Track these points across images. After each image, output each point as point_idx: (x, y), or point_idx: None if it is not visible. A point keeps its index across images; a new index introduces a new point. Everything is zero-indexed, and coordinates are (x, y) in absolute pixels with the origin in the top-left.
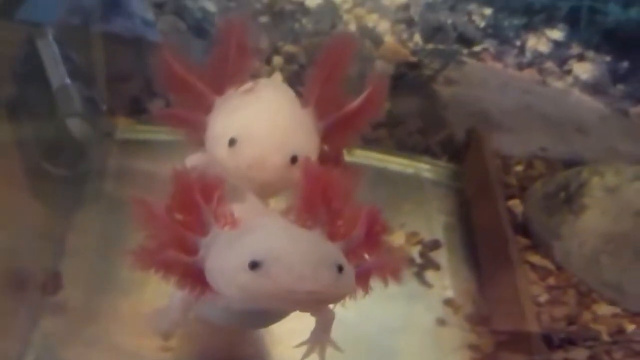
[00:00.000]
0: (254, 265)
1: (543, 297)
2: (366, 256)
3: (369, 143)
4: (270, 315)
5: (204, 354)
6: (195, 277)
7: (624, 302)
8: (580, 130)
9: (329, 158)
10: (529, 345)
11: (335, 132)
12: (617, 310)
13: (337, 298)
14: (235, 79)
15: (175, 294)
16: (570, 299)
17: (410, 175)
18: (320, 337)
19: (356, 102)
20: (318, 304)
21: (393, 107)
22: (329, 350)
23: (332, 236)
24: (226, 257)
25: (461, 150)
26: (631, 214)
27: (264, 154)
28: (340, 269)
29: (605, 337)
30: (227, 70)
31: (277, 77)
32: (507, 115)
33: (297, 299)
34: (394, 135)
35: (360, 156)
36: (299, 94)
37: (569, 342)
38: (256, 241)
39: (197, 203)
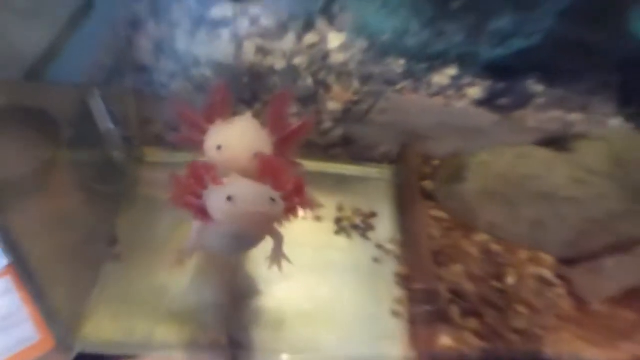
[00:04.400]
0: (229, 199)
1: (438, 234)
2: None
3: (330, 157)
4: (246, 240)
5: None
6: (202, 211)
7: (494, 231)
8: (480, 132)
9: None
10: (427, 268)
11: (282, 144)
12: (489, 238)
13: (274, 217)
14: (221, 115)
15: (194, 225)
16: (456, 233)
17: (361, 177)
18: (277, 254)
19: (294, 127)
20: (264, 222)
21: (345, 132)
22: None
23: (276, 188)
24: (215, 197)
25: (397, 157)
26: (496, 177)
27: (236, 153)
28: (273, 200)
29: (477, 255)
30: (216, 110)
31: (248, 114)
32: (427, 130)
33: (252, 218)
34: (347, 151)
35: (325, 167)
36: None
37: (451, 259)
38: (230, 187)
39: (202, 173)
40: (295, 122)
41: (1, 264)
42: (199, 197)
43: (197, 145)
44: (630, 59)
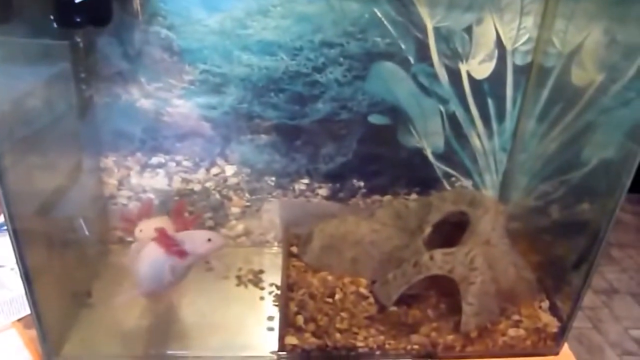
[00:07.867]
0: (209, 240)
1: (294, 274)
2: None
3: (237, 244)
4: (187, 269)
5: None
6: (181, 252)
7: (329, 269)
8: (330, 216)
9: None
10: (283, 293)
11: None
12: (326, 273)
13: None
14: (147, 216)
15: (166, 267)
16: (306, 273)
17: (258, 252)
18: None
19: (189, 219)
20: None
21: (245, 226)
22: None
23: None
24: (198, 240)
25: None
26: (329, 236)
27: (151, 233)
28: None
29: (317, 283)
30: (144, 213)
31: (165, 217)
32: (296, 218)
33: (221, 246)
34: (248, 238)
35: (232, 250)
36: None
37: (299, 287)
38: (205, 234)
39: (172, 239)
40: (190, 217)
41: (10, 319)
42: (177, 245)
43: (132, 231)
44: (402, 161)
